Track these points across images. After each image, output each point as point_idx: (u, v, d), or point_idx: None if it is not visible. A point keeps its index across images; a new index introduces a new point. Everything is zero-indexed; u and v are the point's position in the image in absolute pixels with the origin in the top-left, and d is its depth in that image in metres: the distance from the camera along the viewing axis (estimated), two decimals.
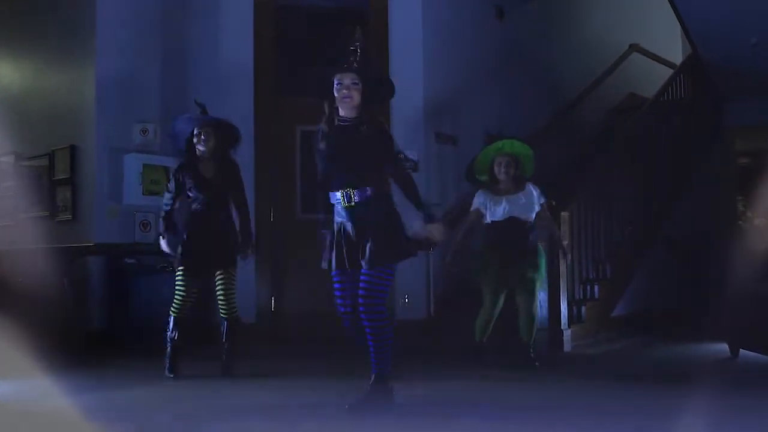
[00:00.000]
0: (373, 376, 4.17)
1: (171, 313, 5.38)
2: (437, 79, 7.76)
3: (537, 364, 5.69)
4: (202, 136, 5.38)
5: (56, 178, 7.33)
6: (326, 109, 4.22)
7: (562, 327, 6.54)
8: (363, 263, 4.08)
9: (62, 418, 4.05)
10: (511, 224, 5.70)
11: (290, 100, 7.36)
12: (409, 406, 4.28)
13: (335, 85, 4.13)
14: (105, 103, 7.07)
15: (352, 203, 4.11)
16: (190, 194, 5.43)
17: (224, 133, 5.51)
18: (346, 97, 4.11)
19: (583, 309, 7.06)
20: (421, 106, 7.66)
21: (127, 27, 7.27)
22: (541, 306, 6.19)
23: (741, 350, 6.17)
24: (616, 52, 10.43)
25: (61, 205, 7.29)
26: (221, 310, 5.45)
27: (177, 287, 5.38)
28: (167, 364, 5.37)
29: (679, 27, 9.47)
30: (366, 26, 7.65)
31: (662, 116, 9.02)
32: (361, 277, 4.08)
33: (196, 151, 5.42)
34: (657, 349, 6.80)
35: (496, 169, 5.77)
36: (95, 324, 6.79)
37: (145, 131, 7.23)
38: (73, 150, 7.20)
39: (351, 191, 4.11)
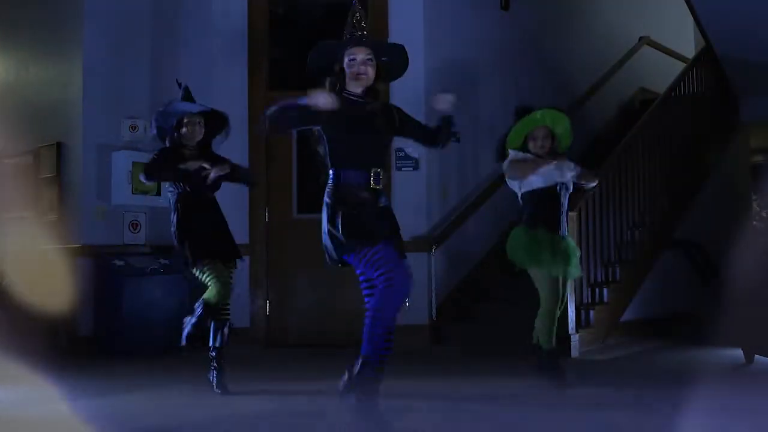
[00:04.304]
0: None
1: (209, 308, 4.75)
2: (439, 72, 7.53)
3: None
4: (195, 126, 4.92)
5: (42, 176, 7.20)
6: (327, 85, 3.95)
7: (569, 332, 6.34)
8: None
9: (44, 427, 3.96)
10: (555, 194, 5.10)
11: (286, 95, 7.15)
12: (413, 413, 4.14)
13: (346, 61, 3.92)
14: (93, 98, 6.92)
15: (380, 185, 3.86)
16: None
17: (214, 124, 5.07)
18: (361, 73, 3.91)
19: (592, 313, 6.85)
20: (422, 100, 7.39)
21: (116, 18, 7.11)
22: None
23: (756, 356, 6.01)
24: (626, 45, 10.26)
25: (47, 204, 7.13)
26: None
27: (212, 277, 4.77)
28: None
29: (691, 19, 9.27)
30: (365, 15, 7.46)
31: (674, 112, 8.80)
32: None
33: (181, 140, 4.92)
34: (668, 356, 6.60)
35: (531, 144, 5.12)
36: (83, 328, 6.65)
37: (135, 127, 7.05)
38: (59, 147, 7.07)
39: (380, 171, 3.87)
